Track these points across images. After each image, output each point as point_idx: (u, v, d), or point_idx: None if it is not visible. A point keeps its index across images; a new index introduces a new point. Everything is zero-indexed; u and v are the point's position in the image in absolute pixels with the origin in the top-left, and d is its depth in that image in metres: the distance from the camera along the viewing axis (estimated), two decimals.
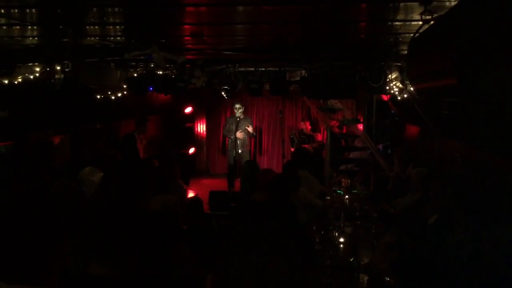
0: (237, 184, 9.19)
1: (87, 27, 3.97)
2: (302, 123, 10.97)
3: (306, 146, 10.00)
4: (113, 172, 4.84)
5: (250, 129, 9.57)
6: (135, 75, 7.26)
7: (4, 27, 3.85)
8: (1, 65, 4.73)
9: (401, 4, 3.06)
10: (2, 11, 3.25)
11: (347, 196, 6.26)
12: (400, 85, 5.51)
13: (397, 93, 5.72)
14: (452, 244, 3.56)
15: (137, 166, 3.86)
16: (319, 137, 10.70)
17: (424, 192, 5.25)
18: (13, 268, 1.34)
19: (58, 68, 5.01)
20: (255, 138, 11.29)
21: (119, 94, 7.42)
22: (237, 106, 9.46)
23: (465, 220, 3.63)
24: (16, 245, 1.33)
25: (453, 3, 2.89)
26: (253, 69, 6.83)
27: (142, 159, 7.91)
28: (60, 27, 3.83)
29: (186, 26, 4.19)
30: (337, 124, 9.45)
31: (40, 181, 5.99)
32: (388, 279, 3.26)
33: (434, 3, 2.91)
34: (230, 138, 9.60)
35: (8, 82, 4.92)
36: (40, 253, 1.36)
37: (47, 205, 1.42)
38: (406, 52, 4.25)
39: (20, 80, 5.05)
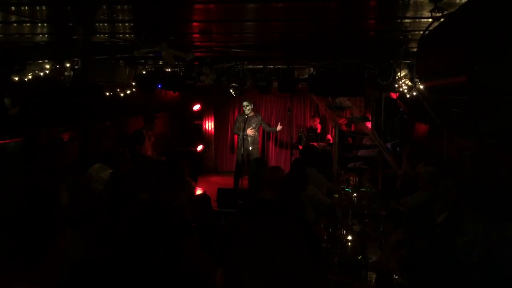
0: (245, 181, 9.22)
1: (97, 24, 3.99)
2: (311, 120, 10.96)
3: (315, 144, 9.99)
4: (123, 169, 4.86)
5: (279, 127, 9.77)
6: (144, 72, 7.28)
7: (15, 24, 3.88)
8: (12, 62, 4.77)
9: (411, 1, 3.04)
10: (13, 8, 3.28)
11: (355, 194, 6.25)
12: (409, 83, 5.48)
13: (406, 91, 5.69)
14: (462, 243, 3.54)
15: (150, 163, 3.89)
16: (329, 137, 10.69)
17: (433, 191, 5.23)
18: (9, 261, 1.33)
19: (68, 65, 5.04)
20: (263, 135, 11.34)
21: (128, 91, 7.44)
22: (245, 103, 9.47)
23: (474, 219, 3.61)
24: (13, 237, 1.33)
25: (463, 0, 2.87)
26: (261, 66, 6.83)
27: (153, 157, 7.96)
28: (70, 24, 3.85)
29: (195, 24, 4.19)
30: (345, 122, 9.43)
31: (49, 177, 6.04)
32: (396, 277, 3.25)
33: (445, 0, 2.89)
34: (239, 136, 9.62)
35: (19, 79, 4.96)
36: (37, 247, 1.35)
37: (47, 199, 1.41)
38: (415, 49, 4.23)
39: (30, 77, 5.09)
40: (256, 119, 9.62)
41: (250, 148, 9.46)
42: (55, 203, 1.42)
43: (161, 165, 4.01)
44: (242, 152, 9.46)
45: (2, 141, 5.76)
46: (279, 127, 9.81)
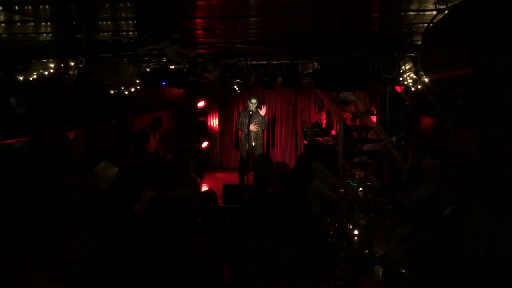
0: (250, 177, 9.23)
1: (100, 22, 3.99)
2: (318, 115, 10.95)
3: (320, 139, 9.98)
4: (129, 166, 4.88)
5: (262, 111, 9.55)
6: (148, 69, 7.29)
7: (19, 24, 3.89)
8: (16, 62, 4.78)
9: None
10: (16, 7, 3.29)
11: (361, 188, 6.25)
12: (414, 76, 5.46)
13: (411, 84, 5.67)
14: (468, 236, 3.53)
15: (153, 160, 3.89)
16: (333, 133, 10.67)
17: (439, 184, 5.22)
18: (25, 256, 1.35)
19: (72, 64, 5.05)
20: (268, 131, 11.30)
21: (132, 89, 7.46)
22: (253, 101, 9.43)
23: (481, 212, 3.60)
24: (29, 233, 1.34)
25: None
26: (265, 62, 6.82)
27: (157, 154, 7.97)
28: (74, 23, 3.86)
29: (198, 20, 4.19)
30: (350, 116, 9.41)
31: (55, 176, 6.07)
32: (403, 271, 3.24)
33: None
34: (243, 131, 9.61)
35: (24, 79, 4.98)
36: (51, 243, 1.37)
37: (61, 197, 1.42)
38: (420, 42, 4.21)
39: (35, 76, 5.11)
40: (258, 115, 9.61)
41: (254, 144, 9.46)
42: (69, 201, 1.44)
43: (166, 161, 4.03)
44: (247, 148, 9.45)
45: (8, 141, 5.79)
46: (252, 127, 9.49)
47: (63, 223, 1.39)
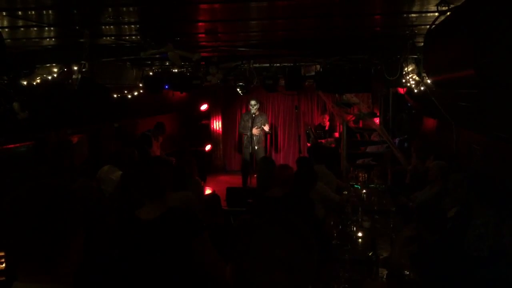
0: (253, 180, 9.23)
1: (103, 27, 4.01)
2: (321, 117, 10.94)
3: (323, 141, 9.98)
4: (132, 170, 4.89)
5: (266, 128, 9.59)
6: (151, 73, 7.31)
7: (22, 29, 3.91)
8: (20, 67, 4.81)
9: None
10: (20, 13, 3.30)
11: (364, 190, 6.23)
12: (417, 78, 5.45)
13: (413, 86, 5.66)
14: (473, 237, 3.52)
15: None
16: (336, 135, 10.67)
17: (443, 185, 5.20)
18: (32, 258, 1.35)
19: (75, 68, 5.07)
20: (271, 135, 11.29)
21: (136, 93, 7.48)
22: (252, 102, 9.46)
23: (485, 213, 3.59)
24: (32, 237, 1.34)
25: None
26: (268, 65, 6.83)
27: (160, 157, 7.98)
28: (77, 27, 3.88)
29: (200, 24, 4.20)
30: (353, 118, 9.40)
31: (59, 180, 6.07)
32: (407, 273, 3.24)
33: None
34: (245, 134, 9.60)
35: (27, 83, 5.00)
36: (58, 245, 1.37)
37: (67, 199, 1.43)
38: (422, 44, 4.21)
39: (38, 81, 5.13)
40: (261, 118, 9.62)
41: (256, 147, 9.46)
42: (75, 202, 1.44)
43: (169, 165, 4.03)
44: (250, 151, 9.45)
45: (12, 145, 5.81)
46: (254, 131, 9.56)
47: (70, 224, 1.40)
